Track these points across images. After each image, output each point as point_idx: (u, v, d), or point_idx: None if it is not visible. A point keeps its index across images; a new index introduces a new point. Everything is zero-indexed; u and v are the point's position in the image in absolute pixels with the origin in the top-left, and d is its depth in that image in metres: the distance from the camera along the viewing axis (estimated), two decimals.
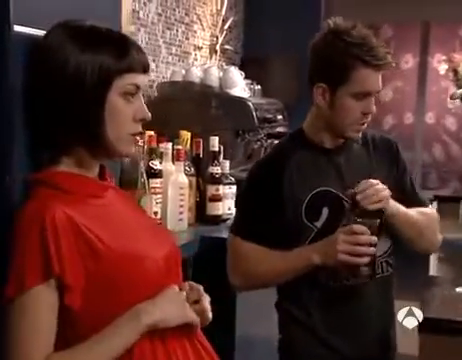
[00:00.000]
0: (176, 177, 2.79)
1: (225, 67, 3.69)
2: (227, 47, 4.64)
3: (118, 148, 1.41)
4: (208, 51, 4.27)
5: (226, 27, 4.53)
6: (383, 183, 2.02)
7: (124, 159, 1.48)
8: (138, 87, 1.41)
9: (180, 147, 2.87)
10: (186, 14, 3.92)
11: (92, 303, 1.33)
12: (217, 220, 2.96)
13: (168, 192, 2.79)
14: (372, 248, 1.92)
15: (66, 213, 1.32)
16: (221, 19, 4.49)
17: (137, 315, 1.35)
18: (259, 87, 3.67)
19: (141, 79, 1.42)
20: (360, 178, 2.01)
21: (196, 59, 4.05)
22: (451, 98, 4.81)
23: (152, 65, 3.46)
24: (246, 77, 4.39)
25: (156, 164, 2.79)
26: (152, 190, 2.76)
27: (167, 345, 1.40)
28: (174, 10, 3.73)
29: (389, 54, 2.02)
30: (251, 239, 2.07)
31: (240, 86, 3.33)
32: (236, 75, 3.38)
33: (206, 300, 1.50)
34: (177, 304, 1.41)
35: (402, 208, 2.06)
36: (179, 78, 3.40)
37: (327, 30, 2.04)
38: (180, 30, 3.82)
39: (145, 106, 1.43)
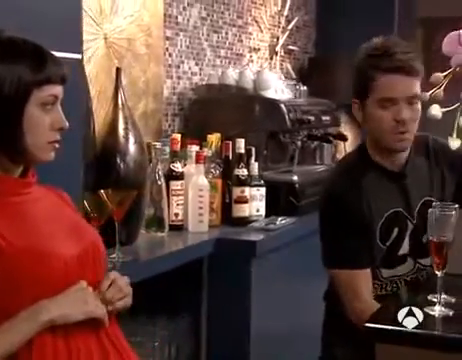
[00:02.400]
0: (196, 179, 2.84)
1: (258, 69, 3.70)
2: (292, 48, 4.63)
3: (37, 155, 1.48)
4: (268, 53, 4.28)
5: (290, 27, 4.52)
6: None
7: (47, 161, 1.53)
8: (56, 97, 1.47)
9: (204, 149, 2.93)
10: (238, 17, 3.94)
11: None
12: (243, 222, 2.98)
13: (188, 194, 2.85)
14: None
15: None
16: (284, 19, 4.48)
17: (35, 311, 1.39)
18: (304, 88, 3.65)
19: (58, 90, 1.48)
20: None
21: (252, 61, 4.07)
22: None
23: (195, 68, 3.52)
24: (313, 78, 4.37)
25: (177, 166, 2.86)
26: (172, 192, 2.84)
27: (69, 341, 1.43)
28: (222, 13, 3.76)
29: (412, 60, 2.04)
30: (357, 266, 2.08)
31: (274, 87, 3.33)
32: (270, 77, 3.39)
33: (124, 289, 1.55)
34: (80, 300, 1.44)
35: None
36: (215, 81, 3.45)
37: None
38: (230, 33, 3.85)
39: (63, 115, 1.49)
